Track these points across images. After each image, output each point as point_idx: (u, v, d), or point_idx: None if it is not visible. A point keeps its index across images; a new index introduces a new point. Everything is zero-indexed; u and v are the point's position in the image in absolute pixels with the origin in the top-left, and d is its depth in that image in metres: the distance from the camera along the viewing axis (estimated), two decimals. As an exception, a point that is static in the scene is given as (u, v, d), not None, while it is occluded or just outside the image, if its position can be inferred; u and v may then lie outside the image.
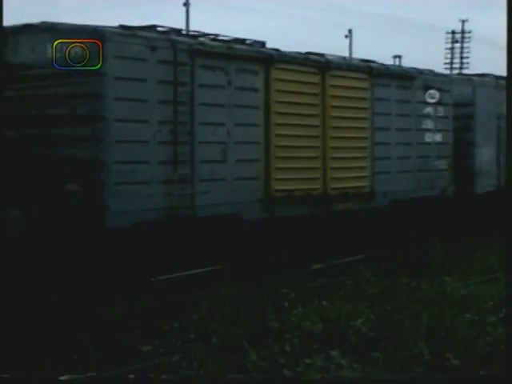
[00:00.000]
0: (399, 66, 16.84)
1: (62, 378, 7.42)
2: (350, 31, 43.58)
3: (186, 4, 35.68)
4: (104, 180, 11.01)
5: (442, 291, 11.52)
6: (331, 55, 15.24)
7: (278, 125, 13.54)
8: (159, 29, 12.24)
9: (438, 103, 17.31)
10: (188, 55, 12.05)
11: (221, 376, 7.83)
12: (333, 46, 69.29)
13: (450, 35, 63.32)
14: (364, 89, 15.47)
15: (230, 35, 13.40)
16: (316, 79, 14.38)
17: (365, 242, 15.14)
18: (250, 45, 13.63)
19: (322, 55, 14.89)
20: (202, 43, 12.46)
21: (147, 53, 11.52)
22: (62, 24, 11.47)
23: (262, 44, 13.94)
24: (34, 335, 8.86)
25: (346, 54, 36.70)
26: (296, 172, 13.94)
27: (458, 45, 63.11)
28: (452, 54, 63.36)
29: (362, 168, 15.45)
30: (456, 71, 55.77)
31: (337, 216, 14.89)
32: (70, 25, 11.40)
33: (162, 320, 9.84)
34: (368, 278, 12.54)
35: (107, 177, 11.01)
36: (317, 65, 14.44)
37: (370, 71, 15.67)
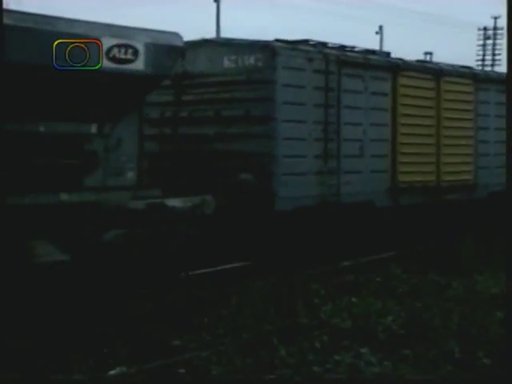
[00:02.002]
0: (497, 72, 18.70)
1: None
2: (380, 27, 42.74)
3: (217, 0, 36.31)
4: (274, 171, 13.05)
5: (472, 289, 11.57)
6: (441, 63, 17.21)
7: (403, 125, 15.53)
8: (311, 42, 14.29)
9: (530, 105, 19.16)
10: (336, 65, 14.07)
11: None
12: (362, 42, 68.16)
13: (481, 32, 63.15)
14: (469, 93, 17.41)
15: (363, 47, 15.47)
16: (432, 85, 16.34)
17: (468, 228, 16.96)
18: (379, 55, 15.64)
19: (435, 63, 16.87)
20: (346, 55, 14.49)
21: (306, 64, 13.55)
22: (236, 39, 13.61)
23: (387, 54, 15.96)
24: (63, 329, 8.94)
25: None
26: (416, 166, 15.93)
27: (490, 41, 63.12)
28: (484, 50, 63.03)
29: (468, 163, 17.43)
30: (488, 68, 55.32)
31: (446, 205, 16.87)
32: (244, 40, 13.52)
33: (192, 315, 9.91)
34: (398, 275, 12.74)
35: (277, 168, 13.06)
36: (433, 72, 16.43)
37: (475, 77, 17.63)
